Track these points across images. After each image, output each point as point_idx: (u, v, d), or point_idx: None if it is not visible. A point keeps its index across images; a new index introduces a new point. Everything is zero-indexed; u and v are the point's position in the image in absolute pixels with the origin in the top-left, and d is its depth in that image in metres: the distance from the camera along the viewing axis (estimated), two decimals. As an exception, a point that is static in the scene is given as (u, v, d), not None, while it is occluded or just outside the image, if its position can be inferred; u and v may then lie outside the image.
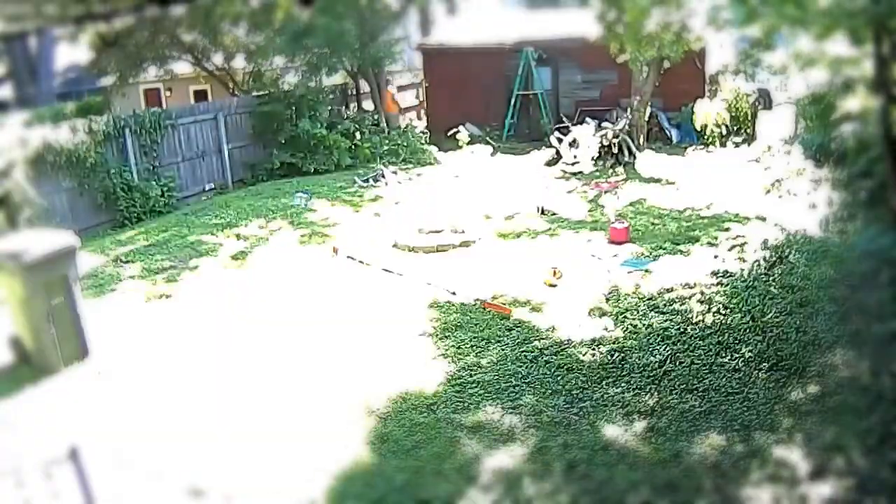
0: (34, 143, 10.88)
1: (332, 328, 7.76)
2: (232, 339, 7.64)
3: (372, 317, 8.04)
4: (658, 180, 13.61)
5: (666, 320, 7.49)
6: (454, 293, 8.46)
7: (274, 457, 5.60)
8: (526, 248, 10.13)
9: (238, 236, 11.03)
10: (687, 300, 7.92)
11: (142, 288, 9.13)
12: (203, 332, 7.82)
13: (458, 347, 7.30)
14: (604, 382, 6.54)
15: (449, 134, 18.28)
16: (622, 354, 6.94)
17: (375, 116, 18.03)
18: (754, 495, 4.96)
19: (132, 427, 6.04)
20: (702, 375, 6.51)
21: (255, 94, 16.72)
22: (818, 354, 6.61)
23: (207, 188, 14.38)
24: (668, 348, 6.97)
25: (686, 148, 16.26)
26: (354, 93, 19.20)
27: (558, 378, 6.64)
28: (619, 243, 9.90)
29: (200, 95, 19.56)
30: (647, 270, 8.84)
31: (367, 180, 14.29)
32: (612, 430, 5.84)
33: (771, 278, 8.19)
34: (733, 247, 9.47)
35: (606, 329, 7.45)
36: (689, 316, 7.52)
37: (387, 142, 17.05)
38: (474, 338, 7.47)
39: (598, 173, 14.52)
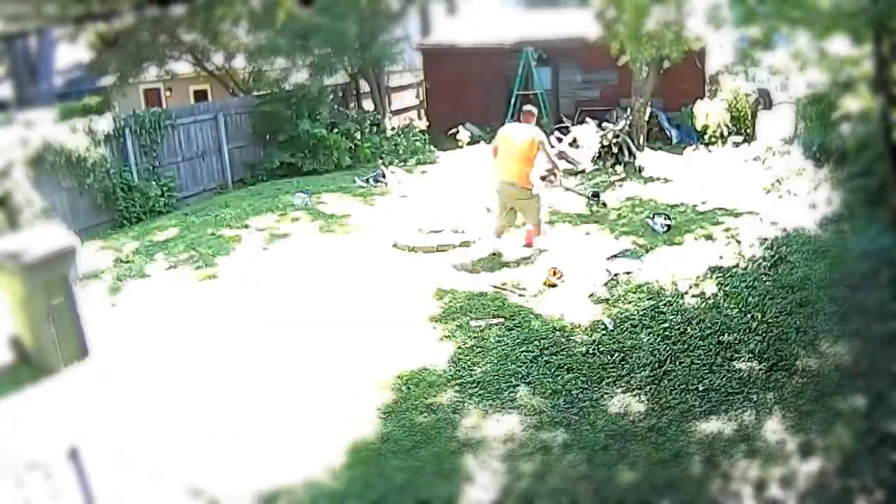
0: (34, 143, 10.88)
1: (334, 328, 7.76)
2: (234, 336, 7.64)
3: (373, 316, 8.05)
4: (657, 179, 13.69)
5: (666, 320, 7.49)
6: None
7: (274, 457, 5.60)
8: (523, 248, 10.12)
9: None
10: (687, 300, 7.91)
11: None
12: (206, 330, 7.82)
13: (459, 347, 7.30)
14: (604, 382, 6.55)
15: (449, 134, 18.30)
16: (622, 354, 6.95)
17: (376, 116, 18.04)
18: (754, 495, 4.97)
19: (132, 427, 6.05)
20: (702, 375, 6.51)
21: (255, 94, 16.72)
22: (818, 354, 6.61)
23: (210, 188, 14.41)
24: (668, 348, 6.97)
25: (685, 148, 16.31)
26: (354, 93, 19.21)
27: (558, 378, 6.65)
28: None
29: (200, 95, 19.56)
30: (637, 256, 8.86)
31: (367, 180, 14.29)
32: (612, 431, 5.84)
33: (771, 278, 8.19)
34: (729, 240, 9.52)
35: (606, 329, 7.46)
36: (689, 316, 7.52)
37: (386, 142, 17.07)
38: (474, 338, 7.47)
39: (598, 172, 14.55)
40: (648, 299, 8.03)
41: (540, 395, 6.40)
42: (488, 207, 11.80)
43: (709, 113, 16.92)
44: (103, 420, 6.15)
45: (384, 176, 14.46)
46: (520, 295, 8.45)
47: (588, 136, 15.59)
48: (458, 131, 18.10)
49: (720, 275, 8.44)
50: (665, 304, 7.83)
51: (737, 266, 8.63)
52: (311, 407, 6.32)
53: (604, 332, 7.40)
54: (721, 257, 8.99)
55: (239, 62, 17.69)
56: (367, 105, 19.22)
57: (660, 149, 16.21)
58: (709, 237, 9.96)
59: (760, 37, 6.81)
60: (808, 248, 8.76)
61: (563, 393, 6.41)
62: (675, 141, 17.02)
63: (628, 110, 16.14)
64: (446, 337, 7.52)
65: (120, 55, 16.25)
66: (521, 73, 18.26)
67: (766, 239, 9.39)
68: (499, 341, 7.38)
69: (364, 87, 18.97)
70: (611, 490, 5.12)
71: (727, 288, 8.09)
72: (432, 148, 17.33)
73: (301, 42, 15.69)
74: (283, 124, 15.46)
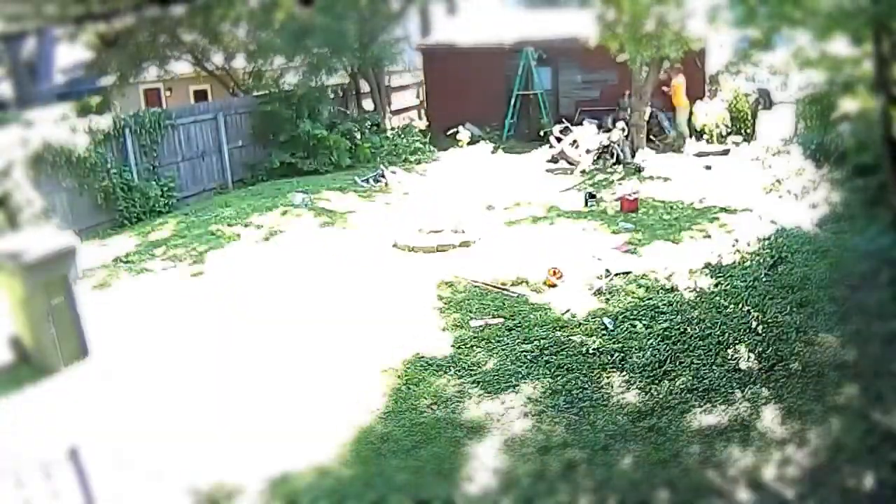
0: (34, 143, 10.87)
1: (333, 328, 7.76)
2: (234, 336, 7.64)
3: (372, 317, 8.05)
4: (656, 178, 13.74)
5: (666, 320, 7.49)
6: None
7: (274, 457, 5.59)
8: (525, 246, 10.12)
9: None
10: (687, 300, 7.91)
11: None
12: (206, 329, 7.82)
13: (459, 347, 7.30)
14: (604, 383, 6.54)
15: (449, 134, 18.29)
16: (622, 354, 6.94)
17: (376, 116, 18.02)
18: (753, 495, 4.97)
19: (132, 427, 6.04)
20: (702, 375, 6.51)
21: (255, 94, 16.71)
22: (818, 354, 6.61)
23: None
24: (668, 348, 6.97)
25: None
26: (354, 93, 19.20)
27: (558, 378, 6.64)
28: (632, 212, 11.39)
29: (200, 95, 19.53)
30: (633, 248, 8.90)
31: (367, 180, 14.28)
32: (612, 430, 5.84)
33: (771, 278, 8.19)
34: (734, 242, 9.56)
35: (607, 329, 7.45)
36: (689, 316, 7.52)
37: (386, 141, 17.06)
38: (474, 338, 7.47)
39: (597, 172, 14.58)
40: (648, 299, 8.03)
41: (540, 394, 6.39)
42: (489, 206, 11.89)
43: (709, 113, 16.91)
44: (103, 420, 6.14)
45: (384, 176, 14.45)
46: (519, 294, 8.45)
47: (588, 136, 15.61)
48: (457, 131, 18.09)
49: (720, 274, 8.45)
50: (665, 304, 7.83)
51: (737, 265, 8.64)
52: (311, 406, 6.32)
53: (604, 332, 7.40)
54: (720, 256, 9.01)
55: (239, 62, 17.68)
56: (367, 105, 19.21)
57: (659, 149, 16.23)
58: (706, 235, 10.04)
59: (760, 37, 6.81)
60: (808, 247, 8.76)
61: (563, 393, 6.41)
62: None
63: (628, 110, 16.14)
64: (446, 336, 7.52)
65: (120, 55, 16.23)
66: (521, 73, 18.24)
67: (765, 238, 9.40)
68: (499, 341, 7.37)
69: (364, 87, 18.96)
70: (611, 490, 5.12)
71: (727, 287, 8.09)
72: (432, 148, 17.32)
73: (301, 42, 15.67)
74: (284, 124, 15.46)
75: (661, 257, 9.23)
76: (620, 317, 7.68)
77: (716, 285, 8.21)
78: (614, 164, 15.11)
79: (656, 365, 6.72)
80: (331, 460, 5.57)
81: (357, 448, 5.74)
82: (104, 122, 12.26)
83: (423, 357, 7.12)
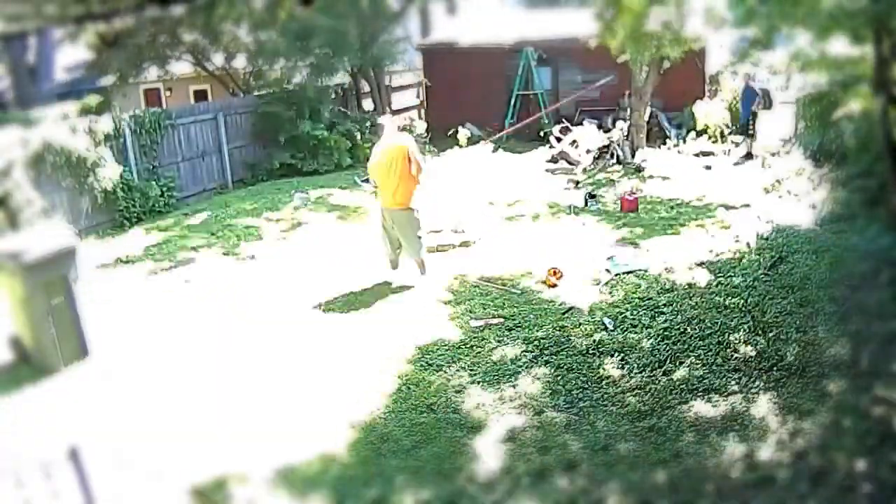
0: (34, 143, 10.87)
1: (332, 327, 7.77)
2: (234, 335, 7.64)
3: (372, 317, 8.05)
4: (656, 177, 13.76)
5: (666, 320, 7.49)
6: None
7: (274, 457, 5.59)
8: (525, 246, 10.13)
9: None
10: (687, 300, 7.92)
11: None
12: (205, 329, 7.82)
13: (459, 347, 7.30)
14: (604, 382, 6.54)
15: (449, 134, 18.29)
16: (622, 354, 6.94)
17: (376, 116, 18.01)
18: (753, 495, 4.97)
19: (132, 427, 6.04)
20: (702, 375, 6.51)
21: (255, 94, 16.72)
22: (818, 354, 6.61)
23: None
24: (668, 348, 6.97)
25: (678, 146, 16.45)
26: (355, 93, 19.21)
27: (558, 378, 6.64)
28: (632, 211, 11.47)
29: (200, 95, 19.54)
30: (644, 271, 8.85)
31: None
32: (612, 430, 5.84)
33: (771, 278, 8.19)
34: (736, 238, 9.59)
35: (606, 329, 7.45)
36: (689, 316, 7.52)
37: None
38: (474, 338, 7.47)
39: (597, 172, 14.58)
40: (648, 298, 8.03)
41: (540, 394, 6.39)
42: (489, 203, 11.94)
43: (709, 113, 16.93)
44: (103, 420, 6.14)
45: (384, 176, 14.43)
46: (521, 292, 8.45)
47: (588, 136, 15.62)
48: (457, 131, 18.10)
49: (720, 273, 8.45)
50: (665, 304, 7.83)
51: (737, 264, 8.65)
52: (311, 406, 6.32)
53: (604, 332, 7.40)
54: (719, 254, 9.02)
55: (239, 62, 17.69)
56: (368, 105, 19.21)
57: (659, 149, 16.25)
58: (707, 234, 10.09)
59: (760, 37, 6.81)
60: (808, 247, 8.77)
61: (563, 393, 6.40)
62: (674, 140, 17.02)
63: (628, 110, 16.15)
64: (446, 336, 7.52)
65: (120, 55, 16.24)
66: (521, 73, 18.26)
67: (765, 238, 9.40)
68: (499, 341, 7.37)
69: (364, 87, 18.97)
70: (611, 490, 5.12)
71: (727, 286, 8.10)
72: (432, 148, 17.32)
73: (302, 42, 15.67)
74: (284, 124, 15.46)
75: (661, 256, 9.25)
76: (620, 316, 7.68)
77: (716, 284, 8.22)
78: (614, 163, 15.13)
79: (656, 364, 6.72)
80: (330, 461, 5.57)
81: (357, 448, 5.73)
82: (104, 122, 12.25)
83: (423, 357, 7.12)
